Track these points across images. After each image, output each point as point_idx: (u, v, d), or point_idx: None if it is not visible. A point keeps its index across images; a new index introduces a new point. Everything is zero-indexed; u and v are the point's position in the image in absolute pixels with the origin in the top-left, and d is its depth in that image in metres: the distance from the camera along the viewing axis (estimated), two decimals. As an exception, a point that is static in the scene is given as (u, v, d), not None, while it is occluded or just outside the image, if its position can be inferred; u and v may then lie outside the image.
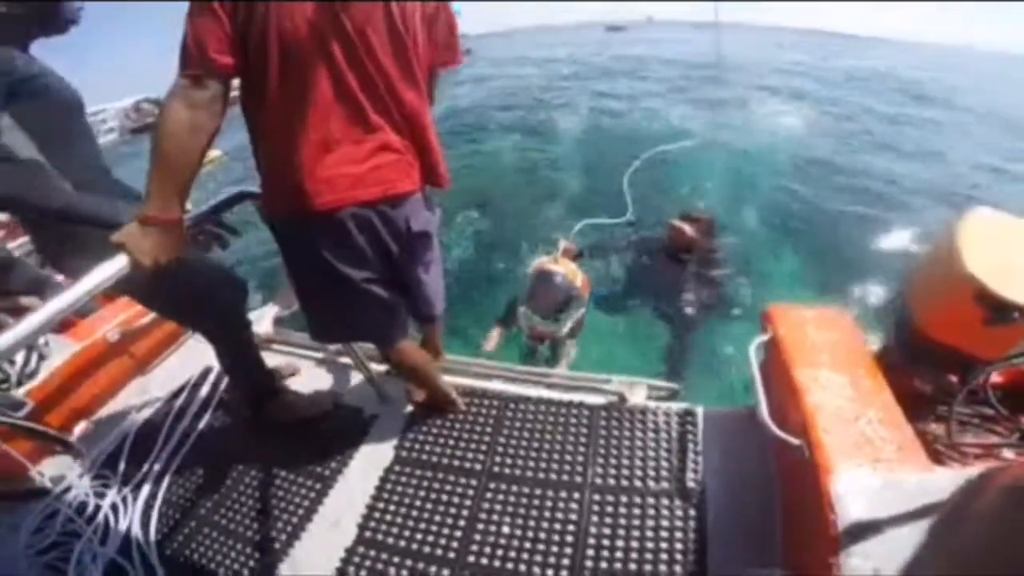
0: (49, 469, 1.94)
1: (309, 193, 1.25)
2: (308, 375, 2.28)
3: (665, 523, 1.46)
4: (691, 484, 1.55)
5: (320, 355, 2.37)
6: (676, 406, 1.83)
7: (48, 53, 1.48)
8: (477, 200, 6.36)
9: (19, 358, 2.01)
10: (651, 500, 1.53)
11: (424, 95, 1.38)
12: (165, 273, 1.17)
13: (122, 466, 1.89)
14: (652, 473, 1.61)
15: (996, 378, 1.81)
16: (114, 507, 1.74)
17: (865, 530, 1.02)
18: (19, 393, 1.92)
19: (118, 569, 1.56)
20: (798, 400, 1.37)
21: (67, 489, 1.82)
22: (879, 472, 1.16)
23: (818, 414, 1.32)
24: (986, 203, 1.71)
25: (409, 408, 2.02)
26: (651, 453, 1.67)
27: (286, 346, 2.46)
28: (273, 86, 1.19)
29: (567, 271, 2.88)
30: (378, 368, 2.08)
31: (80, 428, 2.10)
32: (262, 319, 2.61)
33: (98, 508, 1.74)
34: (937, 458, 1.62)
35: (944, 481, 1.06)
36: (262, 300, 2.72)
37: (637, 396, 1.91)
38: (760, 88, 14.10)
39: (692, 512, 1.47)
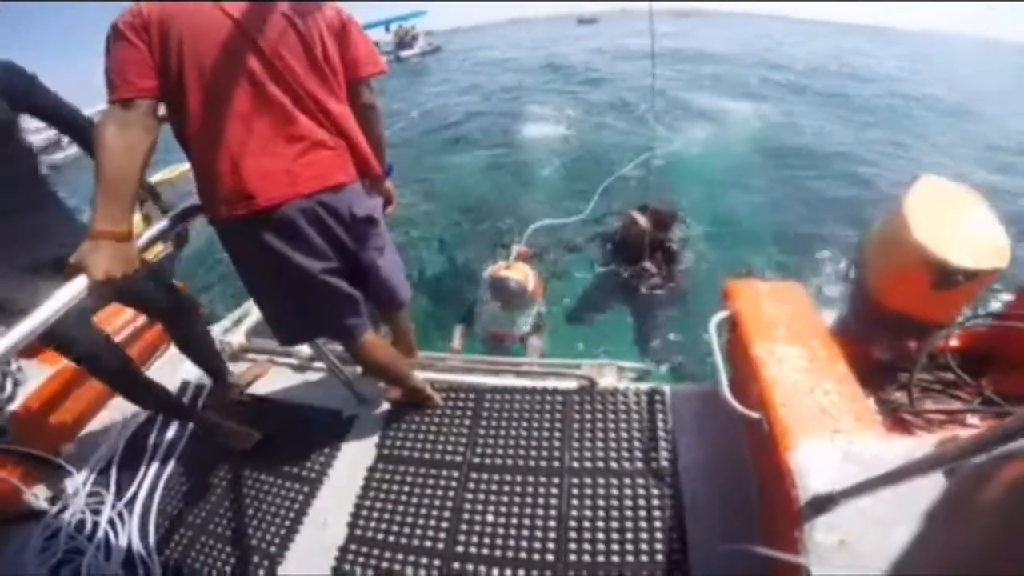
0: (43, 491, 1.88)
1: (252, 193, 1.24)
2: (283, 381, 2.23)
3: (642, 502, 1.47)
4: (664, 462, 1.57)
5: (295, 361, 2.31)
6: (644, 386, 1.84)
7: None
8: (445, 202, 6.28)
9: (-7, 384, 1.93)
10: (627, 480, 1.54)
11: (345, 102, 1.39)
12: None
13: (113, 481, 1.85)
14: (626, 454, 1.62)
15: (954, 343, 1.84)
16: (111, 523, 1.71)
17: (827, 502, 1.02)
18: (-1, 419, 1.84)
19: None
20: (756, 374, 1.36)
21: (63, 509, 1.78)
22: (837, 443, 1.17)
23: (775, 387, 1.31)
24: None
25: (387, 407, 1.99)
26: (623, 434, 1.68)
27: (261, 354, 2.39)
28: (195, 104, 1.21)
29: (519, 275, 2.93)
30: (353, 370, 2.04)
31: (67, 448, 2.03)
32: (237, 328, 2.54)
33: (96, 524, 1.70)
34: (903, 425, 1.65)
35: (903, 449, 1.07)
36: (237, 310, 2.62)
37: (607, 379, 1.91)
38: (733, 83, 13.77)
39: (667, 490, 1.49)
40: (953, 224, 1.58)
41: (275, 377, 2.28)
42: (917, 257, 1.56)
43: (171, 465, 1.91)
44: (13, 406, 1.91)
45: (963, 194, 1.71)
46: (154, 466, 1.90)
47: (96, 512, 1.75)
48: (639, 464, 1.58)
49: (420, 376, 1.96)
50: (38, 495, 1.84)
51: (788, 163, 7.20)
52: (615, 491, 1.51)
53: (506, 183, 7.13)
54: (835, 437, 1.18)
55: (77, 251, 1.09)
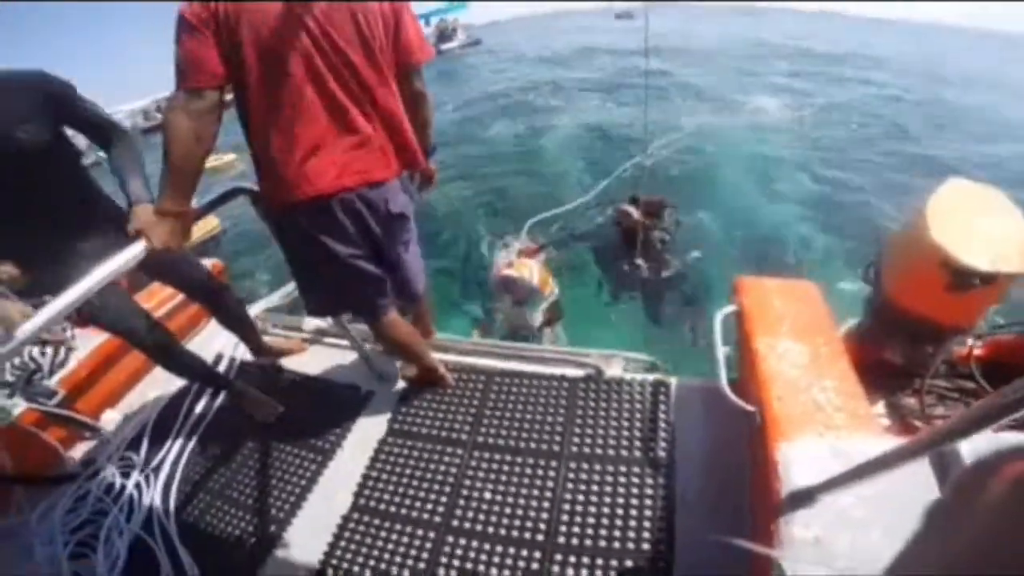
0: (79, 454, 2.05)
1: (302, 185, 1.34)
2: (308, 357, 2.35)
3: (635, 491, 1.49)
4: (661, 453, 1.58)
5: (321, 338, 2.44)
6: (650, 378, 1.85)
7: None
8: (470, 189, 6.34)
9: (50, 349, 2.11)
10: (623, 468, 1.56)
11: (395, 93, 1.43)
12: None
13: (144, 448, 1.99)
14: (625, 442, 1.64)
15: (979, 351, 1.78)
16: (138, 486, 1.84)
17: (807, 498, 1.02)
18: (51, 383, 2.01)
19: (142, 543, 1.66)
20: (755, 368, 1.37)
21: (96, 472, 1.92)
22: (827, 440, 1.16)
23: (772, 381, 1.31)
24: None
25: (402, 384, 2.07)
26: (624, 423, 1.70)
27: (292, 331, 2.53)
28: (260, 95, 1.28)
29: (524, 272, 3.02)
30: (373, 348, 2.14)
31: (106, 414, 2.19)
32: (269, 305, 2.70)
33: (123, 488, 1.83)
34: (910, 431, 1.61)
35: (892, 448, 1.06)
36: (269, 288, 2.78)
37: (614, 369, 1.93)
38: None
39: (661, 480, 1.50)
40: (974, 226, 1.53)
41: (301, 352, 2.39)
42: (932, 257, 1.51)
43: (198, 434, 2.04)
44: (64, 371, 2.08)
45: (992, 197, 1.64)
46: (182, 435, 2.03)
47: (125, 476, 1.88)
48: (636, 453, 1.60)
49: (435, 356, 2.03)
50: (75, 458, 2.01)
51: (824, 159, 6.91)
52: (610, 478, 1.54)
53: (532, 172, 7.20)
54: (825, 434, 1.18)
55: (141, 220, 1.28)
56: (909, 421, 1.64)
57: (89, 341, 2.22)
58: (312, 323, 2.51)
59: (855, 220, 4.96)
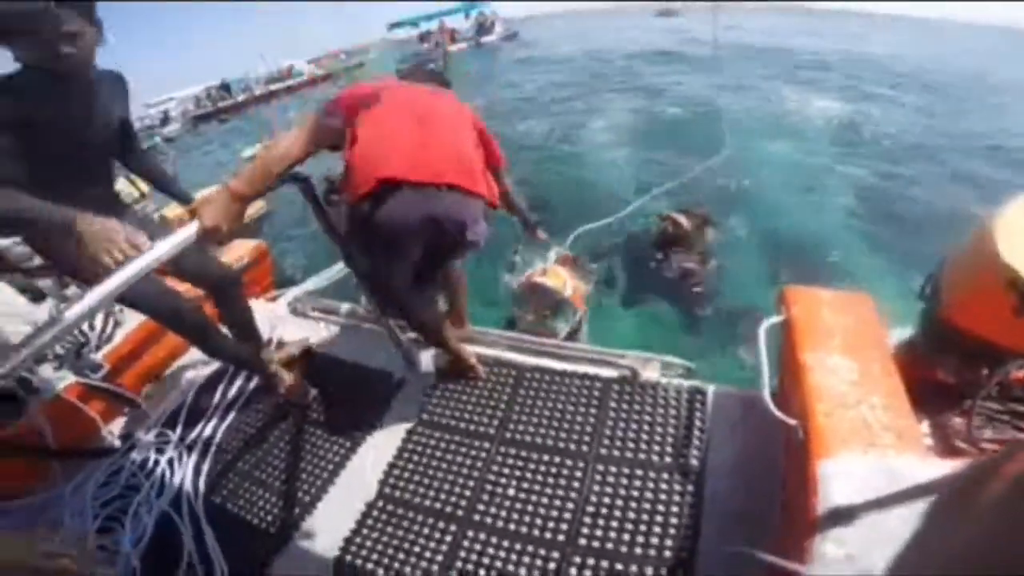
0: (118, 428, 2.13)
1: (380, 169, 1.48)
2: (344, 341, 2.39)
3: (663, 497, 1.45)
4: (693, 461, 1.53)
5: (357, 323, 2.47)
6: (687, 384, 1.80)
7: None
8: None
9: (98, 323, 2.21)
10: (652, 474, 1.52)
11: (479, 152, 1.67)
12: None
13: (180, 425, 2.05)
14: (656, 448, 1.60)
15: None
16: (171, 463, 1.89)
17: (844, 515, 0.98)
18: (97, 356, 2.11)
19: (169, 520, 1.71)
20: (801, 382, 1.32)
21: (132, 447, 1.99)
22: (870, 458, 1.12)
23: (819, 396, 1.27)
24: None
25: (434, 374, 2.08)
26: (657, 428, 1.66)
27: (330, 315, 2.58)
28: (367, 121, 1.54)
29: (556, 282, 2.91)
30: (408, 337, 2.15)
31: (147, 389, 2.28)
32: (308, 288, 2.78)
33: (157, 464, 1.89)
34: (955, 452, 1.53)
35: (937, 471, 1.01)
36: (304, 271, 2.87)
37: (650, 372, 1.89)
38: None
39: (690, 488, 1.46)
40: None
41: (337, 336, 2.44)
42: (1002, 278, 1.43)
43: (232, 414, 2.10)
44: (110, 346, 2.18)
45: None
46: (218, 413, 2.09)
47: (160, 452, 1.94)
48: (667, 459, 1.56)
49: (468, 348, 2.05)
50: (113, 432, 2.08)
51: (877, 169, 6.57)
52: (637, 483, 1.50)
53: (564, 176, 7.07)
54: (870, 451, 1.13)
55: (208, 195, 1.36)
56: (954, 442, 1.55)
57: (135, 316, 2.32)
58: (347, 307, 2.55)
59: (910, 233, 4.70)
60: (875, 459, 1.11)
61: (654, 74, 14.50)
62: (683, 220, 3.54)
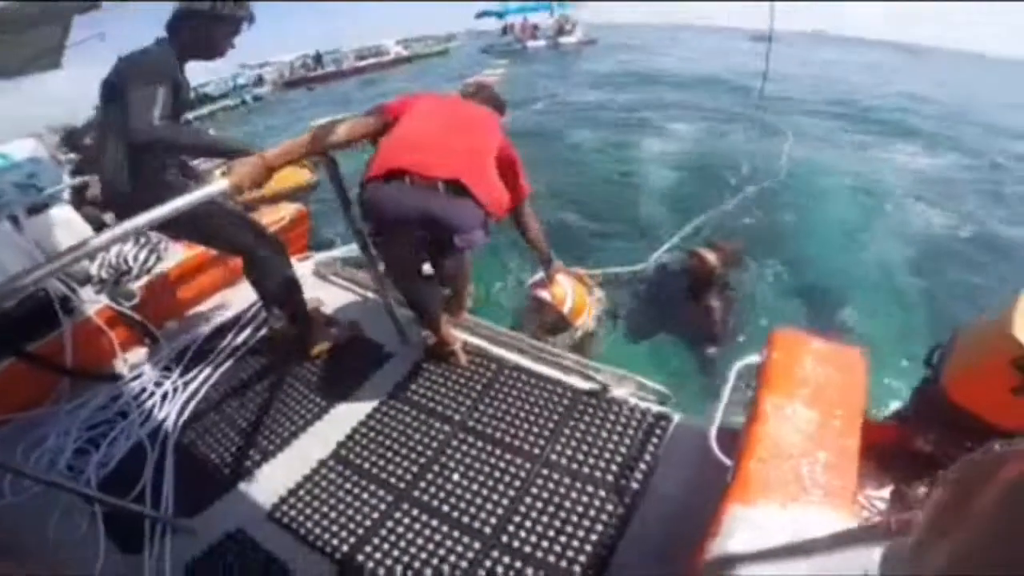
0: (132, 357, 2.33)
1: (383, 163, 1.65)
2: (350, 309, 2.52)
3: (592, 513, 1.46)
4: (633, 484, 1.52)
5: (366, 293, 2.60)
6: (654, 408, 1.78)
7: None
8: (543, 199, 6.19)
9: (142, 255, 2.46)
10: (589, 488, 1.53)
11: (488, 176, 1.72)
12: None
13: (183, 363, 2.23)
14: (602, 464, 1.60)
15: None
16: (163, 397, 2.06)
17: (726, 563, 0.98)
18: (134, 287, 2.35)
19: (140, 448, 1.86)
20: (750, 425, 1.30)
21: (136, 377, 2.18)
22: (788, 512, 1.09)
23: (760, 441, 1.24)
24: None
25: (422, 353, 2.16)
26: (609, 445, 1.65)
27: (347, 281, 2.73)
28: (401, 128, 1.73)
29: (559, 294, 2.74)
30: (404, 313, 2.24)
31: (169, 325, 2.50)
32: (335, 255, 2.98)
33: (151, 396, 2.07)
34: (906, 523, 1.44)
35: (847, 529, 0.97)
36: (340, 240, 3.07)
37: (622, 390, 1.88)
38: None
39: (620, 511, 1.45)
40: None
41: (346, 303, 2.57)
42: (1005, 353, 1.34)
43: (232, 360, 2.27)
44: (146, 279, 2.42)
45: None
46: (220, 357, 2.26)
47: (158, 385, 2.12)
48: (609, 477, 1.55)
49: (459, 335, 2.13)
50: (128, 360, 2.28)
51: (946, 226, 5.91)
52: (573, 494, 1.51)
53: (609, 193, 6.88)
54: (789, 506, 1.10)
55: (243, 159, 1.54)
56: (910, 510, 1.45)
57: (176, 254, 2.56)
58: (362, 276, 2.67)
59: (960, 300, 4.23)
60: (793, 514, 1.08)
61: (726, 99, 13.69)
62: (710, 257, 3.36)
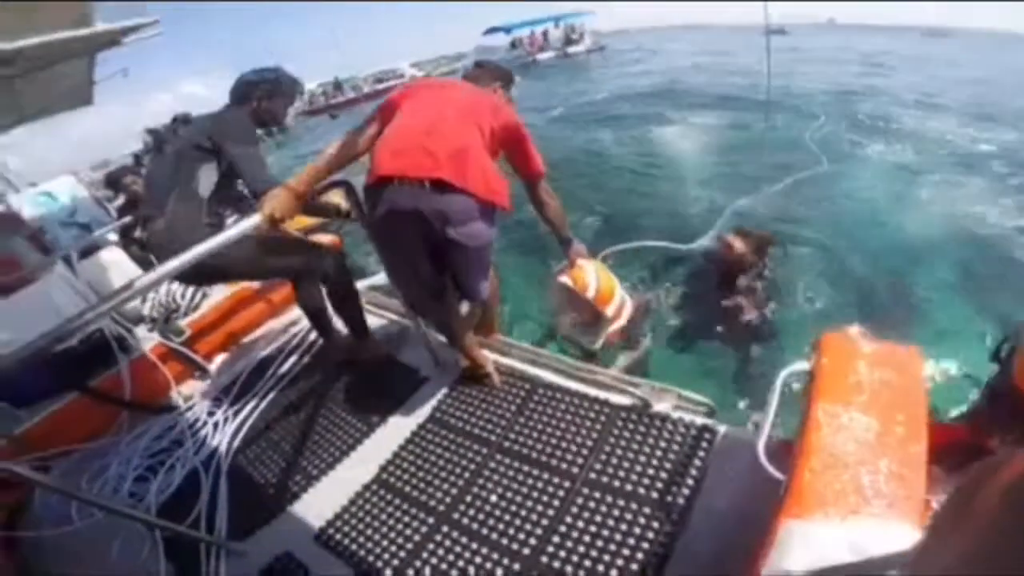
0: (186, 390, 2.44)
1: (379, 168, 1.65)
2: (386, 336, 2.55)
3: (637, 531, 1.39)
4: (679, 501, 1.45)
5: (400, 320, 2.61)
6: (699, 420, 1.70)
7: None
8: (567, 196, 6.11)
9: (189, 293, 2.59)
10: (633, 505, 1.47)
11: (486, 155, 1.71)
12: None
13: (234, 393, 2.32)
14: (646, 481, 1.53)
15: None
16: (215, 426, 2.15)
17: (788, 583, 0.91)
18: (183, 323, 2.47)
19: (195, 476, 1.93)
20: (802, 435, 1.22)
21: (190, 408, 2.28)
22: (847, 526, 1.01)
23: (814, 452, 1.16)
24: None
25: (456, 376, 2.16)
26: (653, 462, 1.59)
27: (385, 310, 2.76)
28: (398, 120, 1.72)
29: (577, 280, 2.49)
30: (437, 338, 2.26)
31: (218, 358, 2.61)
32: (372, 283, 3.04)
33: (204, 425, 2.15)
34: None
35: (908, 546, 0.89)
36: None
37: (663, 405, 1.81)
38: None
39: (668, 528, 1.38)
40: None
41: (380, 329, 2.59)
42: None
43: (278, 388, 2.34)
44: (195, 315, 2.54)
45: None
46: (267, 385, 2.34)
47: (211, 415, 2.20)
48: (654, 494, 1.49)
49: (491, 356, 2.12)
50: (181, 392, 2.39)
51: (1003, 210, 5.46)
52: (616, 512, 1.45)
53: (631, 189, 6.78)
54: (849, 519, 1.02)
55: (272, 191, 1.60)
56: None
57: (221, 290, 2.68)
58: (396, 303, 2.69)
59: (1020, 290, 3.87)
60: (852, 528, 1.00)
61: (744, 93, 13.21)
62: (737, 243, 3.22)
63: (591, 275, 2.48)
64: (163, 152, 2.05)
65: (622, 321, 2.67)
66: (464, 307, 2.03)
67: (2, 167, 4.37)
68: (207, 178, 1.94)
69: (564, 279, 2.50)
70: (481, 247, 1.71)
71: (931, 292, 3.85)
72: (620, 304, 2.62)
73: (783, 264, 3.66)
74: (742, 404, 2.88)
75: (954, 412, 2.16)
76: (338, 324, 2.36)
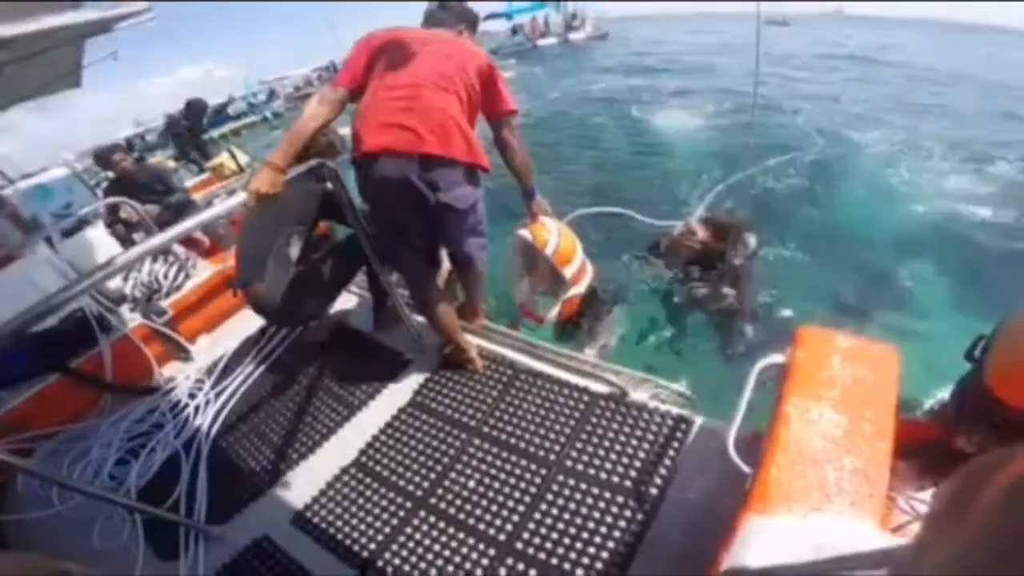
0: (168, 371, 2.42)
1: (364, 143, 1.70)
2: (366, 317, 2.52)
3: (609, 519, 1.42)
4: (652, 490, 1.47)
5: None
6: (674, 411, 1.72)
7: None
8: (561, 180, 6.09)
9: (171, 273, 2.55)
10: (607, 493, 1.49)
11: (468, 119, 1.75)
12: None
13: (215, 375, 2.31)
14: (620, 469, 1.55)
15: None
16: (196, 408, 2.14)
17: (743, 577, 0.92)
18: (165, 303, 2.44)
19: (176, 458, 1.94)
20: (772, 429, 1.23)
21: (171, 390, 2.26)
22: (809, 522, 1.03)
23: (782, 448, 1.17)
24: None
25: (438, 360, 2.16)
26: (627, 450, 1.61)
27: (361, 289, 2.70)
28: (370, 87, 1.73)
29: (537, 235, 2.34)
30: (421, 321, 2.25)
31: (200, 339, 2.59)
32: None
33: (185, 407, 2.15)
34: None
35: (874, 546, 0.91)
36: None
37: (640, 393, 1.83)
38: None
39: (639, 516, 1.41)
40: None
41: (368, 312, 2.54)
42: None
43: (260, 370, 2.33)
44: (177, 295, 2.51)
45: None
46: (248, 368, 2.33)
47: (192, 397, 2.19)
48: (627, 483, 1.51)
49: (474, 341, 2.12)
50: (163, 373, 2.38)
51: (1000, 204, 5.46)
52: (590, 500, 1.48)
53: (623, 172, 6.83)
54: (811, 516, 1.03)
55: (255, 169, 1.68)
56: None
57: (205, 270, 2.65)
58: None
59: (1005, 290, 3.88)
60: (815, 525, 1.02)
61: (740, 81, 13.05)
62: (699, 229, 3.17)
63: (552, 232, 2.37)
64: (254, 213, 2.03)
65: (581, 288, 2.56)
66: (442, 278, 2.11)
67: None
68: (299, 244, 2.05)
69: (523, 232, 2.39)
70: (471, 207, 1.80)
71: (920, 286, 3.88)
72: (580, 267, 2.50)
73: (767, 253, 3.66)
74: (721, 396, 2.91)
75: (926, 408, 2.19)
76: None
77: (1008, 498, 0.33)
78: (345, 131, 1.98)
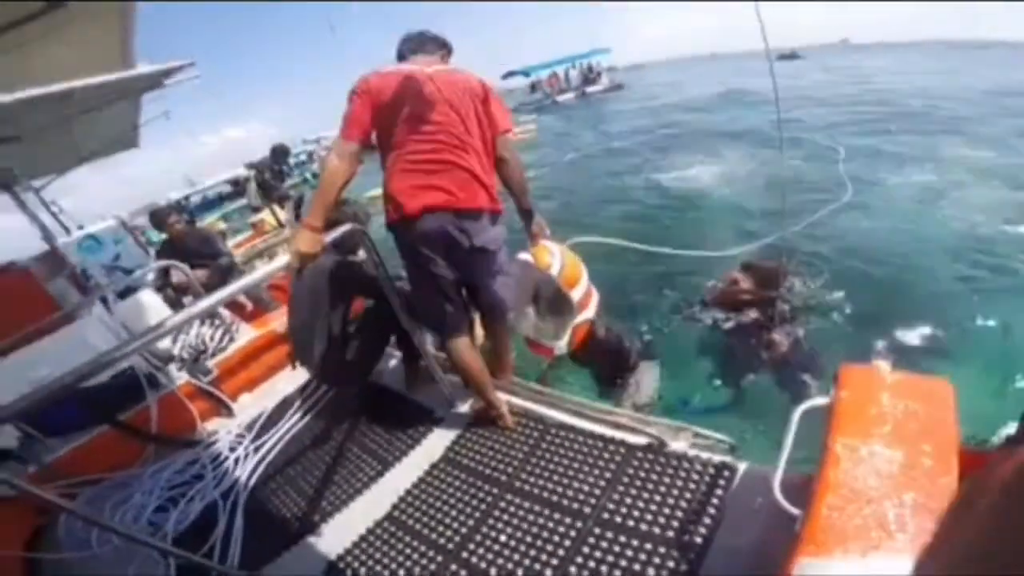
0: (210, 426, 2.50)
1: (402, 207, 1.78)
2: (400, 377, 2.55)
3: (651, 571, 1.32)
4: (696, 539, 1.38)
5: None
6: (716, 458, 1.63)
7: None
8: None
9: (217, 335, 2.68)
10: (647, 546, 1.39)
11: (484, 151, 1.86)
12: None
13: (255, 430, 2.36)
14: (661, 520, 1.46)
15: None
16: (236, 461, 2.18)
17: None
18: (210, 363, 2.54)
19: (214, 507, 1.96)
20: (821, 470, 1.16)
21: (213, 443, 2.32)
22: (868, 562, 0.95)
23: (832, 488, 1.10)
24: None
25: (469, 418, 2.15)
26: (669, 500, 1.52)
27: (395, 349, 2.76)
28: (389, 144, 1.81)
29: (539, 258, 2.23)
30: (454, 380, 2.26)
31: (242, 397, 2.67)
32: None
33: (225, 460, 2.19)
34: None
35: None
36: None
37: (679, 443, 1.75)
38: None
39: (684, 568, 1.31)
40: None
41: (398, 369, 2.60)
42: None
43: (298, 427, 2.36)
44: (222, 356, 2.61)
45: None
46: (286, 424, 2.37)
47: (232, 450, 2.24)
48: (669, 534, 1.41)
49: (502, 397, 2.10)
50: (206, 428, 2.45)
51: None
52: (629, 552, 1.38)
53: (666, 220, 6.79)
54: (870, 555, 0.95)
55: (293, 232, 1.73)
56: None
57: (247, 333, 2.76)
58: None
59: None
60: (869, 564, 0.94)
61: (761, 122, 12.65)
62: (741, 278, 3.11)
63: (555, 255, 2.26)
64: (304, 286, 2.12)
65: (589, 313, 2.42)
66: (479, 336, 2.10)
67: (56, 208, 4.62)
68: (339, 322, 2.15)
69: (524, 256, 2.27)
70: (500, 249, 1.92)
71: (969, 320, 3.66)
72: (587, 291, 2.37)
73: (810, 293, 3.54)
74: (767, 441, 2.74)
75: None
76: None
77: (1007, 493, 0.33)
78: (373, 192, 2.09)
